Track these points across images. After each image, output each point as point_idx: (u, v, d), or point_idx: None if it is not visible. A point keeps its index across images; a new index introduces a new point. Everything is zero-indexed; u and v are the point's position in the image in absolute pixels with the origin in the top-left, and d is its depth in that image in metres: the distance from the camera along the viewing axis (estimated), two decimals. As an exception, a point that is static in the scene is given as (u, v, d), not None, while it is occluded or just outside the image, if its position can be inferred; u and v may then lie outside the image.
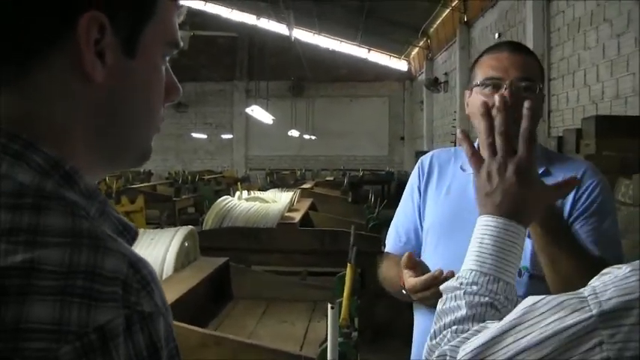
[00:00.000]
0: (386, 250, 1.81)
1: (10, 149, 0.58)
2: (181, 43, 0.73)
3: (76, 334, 0.48)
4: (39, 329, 0.48)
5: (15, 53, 0.61)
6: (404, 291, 1.51)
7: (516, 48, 1.59)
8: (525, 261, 1.44)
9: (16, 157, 0.58)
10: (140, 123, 0.69)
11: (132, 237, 0.66)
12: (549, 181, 1.55)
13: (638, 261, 0.66)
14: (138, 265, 0.56)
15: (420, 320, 1.68)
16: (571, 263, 1.34)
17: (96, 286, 0.51)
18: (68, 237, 0.53)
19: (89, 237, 0.54)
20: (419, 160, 1.78)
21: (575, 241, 1.42)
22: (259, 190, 9.04)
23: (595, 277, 0.69)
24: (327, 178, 16.30)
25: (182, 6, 0.73)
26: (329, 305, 1.83)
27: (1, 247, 0.51)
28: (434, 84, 16.58)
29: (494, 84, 1.52)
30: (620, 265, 0.68)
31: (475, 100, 1.56)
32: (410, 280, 1.46)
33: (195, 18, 16.64)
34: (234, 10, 20.64)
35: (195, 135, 21.18)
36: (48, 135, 0.61)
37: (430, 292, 1.39)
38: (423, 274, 1.43)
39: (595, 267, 1.35)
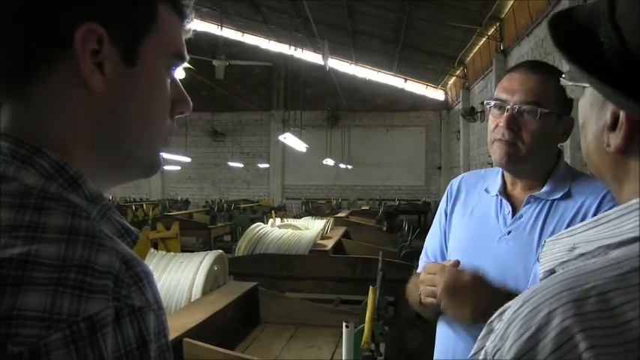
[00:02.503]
0: (417, 271, 1.82)
1: (18, 154, 0.61)
2: (187, 56, 0.74)
3: (67, 322, 0.51)
4: (32, 317, 0.50)
5: (14, 66, 0.63)
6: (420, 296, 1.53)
7: (532, 68, 1.57)
8: None
9: (23, 161, 0.61)
10: (142, 132, 0.70)
11: (132, 240, 0.68)
12: (569, 203, 1.54)
13: (524, 293, 0.60)
14: (132, 262, 0.58)
15: (441, 340, 1.67)
16: None
17: (88, 279, 0.53)
18: (65, 234, 0.56)
19: (85, 235, 0.57)
20: (449, 183, 1.80)
21: None
22: (294, 218, 9.08)
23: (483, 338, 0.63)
24: (363, 208, 16.25)
25: (189, 21, 0.75)
26: (344, 324, 1.83)
27: (1, 241, 0.53)
28: (470, 113, 16.45)
29: (500, 105, 1.55)
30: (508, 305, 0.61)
31: (489, 120, 1.59)
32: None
33: (232, 49, 16.89)
34: (271, 41, 20.93)
35: (232, 164, 21.34)
36: (52, 143, 0.64)
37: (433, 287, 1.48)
38: None
39: None
